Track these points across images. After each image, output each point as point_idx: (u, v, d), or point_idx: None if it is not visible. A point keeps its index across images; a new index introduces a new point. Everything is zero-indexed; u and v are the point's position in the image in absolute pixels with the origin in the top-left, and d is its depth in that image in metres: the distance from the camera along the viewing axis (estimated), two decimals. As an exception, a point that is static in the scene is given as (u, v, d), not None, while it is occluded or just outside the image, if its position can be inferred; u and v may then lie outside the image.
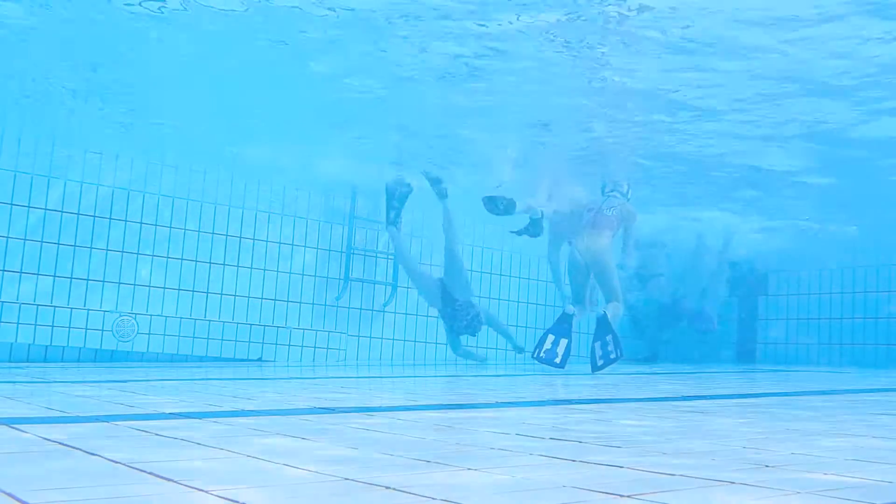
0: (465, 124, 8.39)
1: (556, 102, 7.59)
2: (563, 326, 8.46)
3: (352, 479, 1.94)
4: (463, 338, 9.87)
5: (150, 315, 8.94)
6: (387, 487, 1.85)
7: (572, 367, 8.56)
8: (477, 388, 6.01)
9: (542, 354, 8.37)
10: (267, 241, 10.01)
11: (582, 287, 9.02)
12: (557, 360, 8.31)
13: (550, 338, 8.40)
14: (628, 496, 1.77)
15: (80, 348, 8.48)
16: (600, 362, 8.21)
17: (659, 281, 12.33)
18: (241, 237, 9.80)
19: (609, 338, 8.21)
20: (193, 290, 9.38)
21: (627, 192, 9.47)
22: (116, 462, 2.14)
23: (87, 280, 8.68)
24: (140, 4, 5.64)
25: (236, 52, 6.49)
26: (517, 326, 11.70)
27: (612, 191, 9.40)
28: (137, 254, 9.03)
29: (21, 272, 8.28)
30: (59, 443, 2.48)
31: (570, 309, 8.61)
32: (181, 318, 9.15)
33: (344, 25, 5.92)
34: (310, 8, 5.63)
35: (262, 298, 9.88)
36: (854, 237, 12.25)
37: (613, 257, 8.90)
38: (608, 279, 8.79)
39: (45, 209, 8.47)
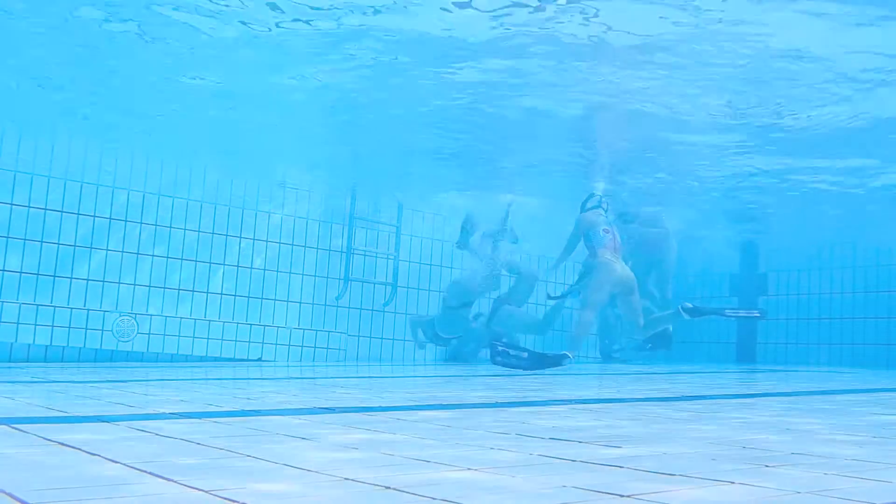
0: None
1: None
2: (542, 363, 7.90)
3: (350, 479, 1.94)
4: None
5: (150, 315, 8.94)
6: (386, 487, 1.85)
7: (579, 368, 8.54)
8: (480, 388, 6.01)
9: (500, 353, 7.88)
10: (267, 241, 10.01)
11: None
12: (497, 359, 7.88)
13: (524, 354, 7.93)
14: (628, 496, 1.77)
15: (80, 348, 8.48)
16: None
17: None
18: (241, 237, 9.80)
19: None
20: (193, 290, 9.38)
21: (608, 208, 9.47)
22: (116, 461, 2.14)
23: (87, 280, 8.68)
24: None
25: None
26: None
27: (622, 214, 9.96)
28: (137, 254, 9.03)
29: (21, 272, 8.28)
30: (60, 443, 2.48)
31: (571, 355, 8.22)
32: (181, 318, 9.15)
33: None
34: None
35: (262, 298, 9.88)
36: None
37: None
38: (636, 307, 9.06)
39: (46, 209, 8.47)
